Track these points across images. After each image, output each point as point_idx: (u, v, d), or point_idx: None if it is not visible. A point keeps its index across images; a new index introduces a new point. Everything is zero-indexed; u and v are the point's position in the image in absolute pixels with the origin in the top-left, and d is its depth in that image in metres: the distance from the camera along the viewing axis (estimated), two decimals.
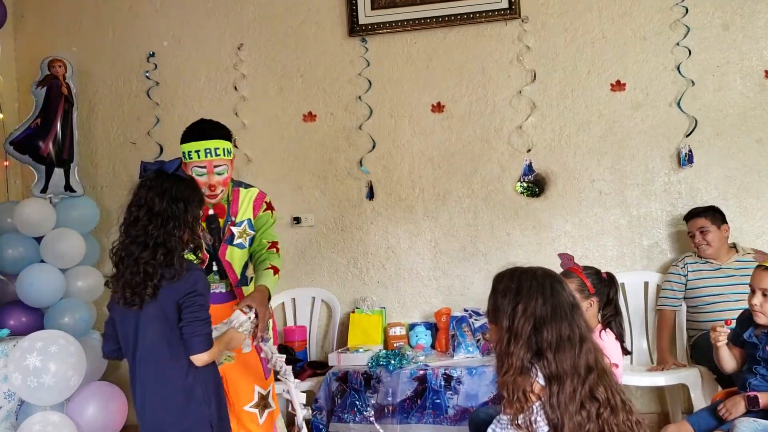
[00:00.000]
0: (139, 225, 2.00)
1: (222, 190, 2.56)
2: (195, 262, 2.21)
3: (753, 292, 2.49)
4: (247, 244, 2.67)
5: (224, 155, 2.55)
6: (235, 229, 2.63)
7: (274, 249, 2.66)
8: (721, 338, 2.54)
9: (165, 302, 1.99)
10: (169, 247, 1.98)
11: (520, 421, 1.72)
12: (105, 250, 4.24)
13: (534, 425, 1.71)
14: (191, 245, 2.09)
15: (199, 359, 1.99)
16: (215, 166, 2.52)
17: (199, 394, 2.03)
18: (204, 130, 2.56)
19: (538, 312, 1.77)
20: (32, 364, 2.80)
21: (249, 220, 2.67)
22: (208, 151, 2.50)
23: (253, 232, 2.68)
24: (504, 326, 1.79)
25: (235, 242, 2.63)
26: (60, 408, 3.01)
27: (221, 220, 2.63)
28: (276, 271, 2.58)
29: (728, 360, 2.58)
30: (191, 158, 2.50)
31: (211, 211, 2.59)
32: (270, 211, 2.73)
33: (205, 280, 2.09)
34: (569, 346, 1.74)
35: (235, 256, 2.63)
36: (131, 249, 2.00)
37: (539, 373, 1.73)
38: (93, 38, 4.35)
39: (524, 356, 1.74)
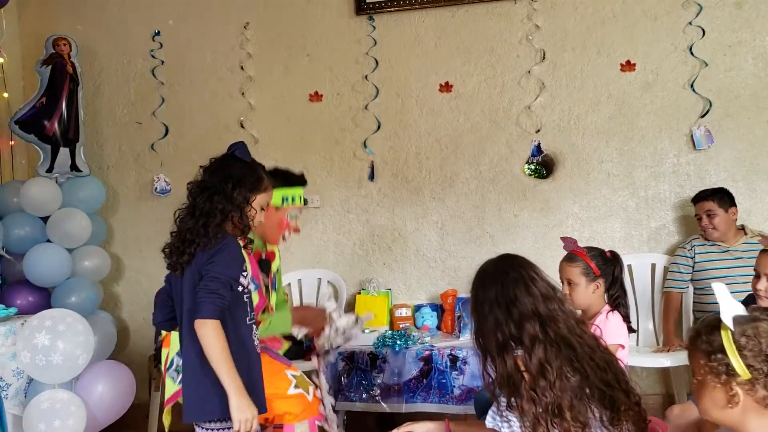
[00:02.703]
0: (191, 196, 2.11)
1: None
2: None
3: (758, 276, 2.47)
4: None
5: None
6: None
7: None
8: None
9: (195, 269, 2.04)
10: (209, 217, 2.04)
11: (513, 402, 1.74)
12: (111, 229, 4.26)
13: (525, 405, 1.71)
14: (239, 226, 2.12)
15: (198, 326, 1.97)
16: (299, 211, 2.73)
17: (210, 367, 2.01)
18: (302, 177, 2.73)
19: (507, 300, 1.77)
20: (41, 342, 2.81)
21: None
22: (303, 198, 2.70)
23: None
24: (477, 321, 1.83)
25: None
26: (68, 386, 3.03)
27: (273, 265, 2.71)
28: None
29: None
30: (294, 203, 2.65)
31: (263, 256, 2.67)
32: None
33: (231, 254, 2.06)
34: (527, 319, 1.74)
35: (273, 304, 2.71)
36: (185, 218, 2.09)
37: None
38: (98, 17, 4.31)
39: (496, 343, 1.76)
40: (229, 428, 2.02)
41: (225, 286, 2.00)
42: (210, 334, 1.96)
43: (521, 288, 1.77)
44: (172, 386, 2.60)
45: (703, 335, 1.39)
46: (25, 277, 3.67)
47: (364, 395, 3.28)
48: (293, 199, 2.64)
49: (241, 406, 1.94)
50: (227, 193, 2.08)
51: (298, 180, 2.70)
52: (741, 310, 1.36)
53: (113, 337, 3.78)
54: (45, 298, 3.73)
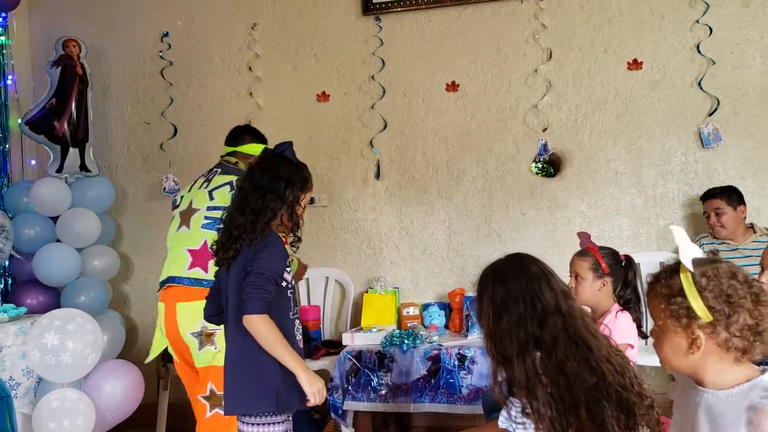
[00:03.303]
0: (241, 195, 2.14)
1: None
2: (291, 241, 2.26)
3: (763, 270, 2.47)
4: None
5: None
6: None
7: None
8: None
9: (241, 265, 2.07)
10: (259, 214, 2.08)
11: (528, 409, 1.69)
12: (120, 229, 4.29)
13: (541, 409, 1.68)
14: (288, 224, 2.17)
15: (247, 321, 2.01)
16: None
17: (262, 361, 2.03)
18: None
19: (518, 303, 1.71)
20: (50, 341, 2.83)
21: None
22: None
23: None
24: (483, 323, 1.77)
25: None
26: (78, 385, 3.05)
27: None
28: None
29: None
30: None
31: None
32: None
33: (276, 250, 2.10)
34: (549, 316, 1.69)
35: None
36: (234, 215, 2.12)
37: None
38: (107, 18, 4.35)
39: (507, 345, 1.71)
40: (269, 423, 2.06)
41: (270, 282, 2.04)
42: (261, 327, 2.01)
43: (544, 282, 1.72)
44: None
45: (662, 279, 1.36)
46: (35, 277, 3.70)
47: (371, 395, 3.28)
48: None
49: (310, 380, 2.02)
50: (279, 192, 2.12)
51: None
52: (700, 254, 1.32)
53: (122, 337, 3.80)
54: (54, 297, 3.76)
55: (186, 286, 2.64)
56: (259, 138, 3.06)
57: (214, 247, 2.17)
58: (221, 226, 2.16)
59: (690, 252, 1.30)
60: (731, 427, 1.28)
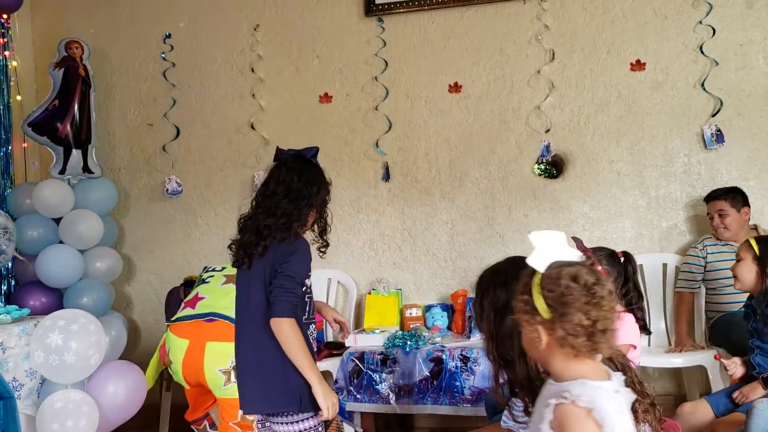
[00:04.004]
0: (274, 198, 2.11)
1: None
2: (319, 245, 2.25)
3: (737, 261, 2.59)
4: None
5: None
6: None
7: None
8: (734, 370, 2.53)
9: (267, 263, 2.07)
10: (290, 217, 2.08)
11: (531, 408, 1.70)
12: (123, 230, 4.29)
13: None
14: (316, 226, 2.18)
15: (275, 324, 2.01)
16: None
17: (287, 360, 2.03)
18: None
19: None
20: (54, 342, 2.82)
21: None
22: None
23: None
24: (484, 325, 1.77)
25: None
26: (81, 386, 3.05)
27: None
28: None
29: None
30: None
31: None
32: None
33: (306, 255, 2.11)
34: None
35: None
36: (259, 217, 2.10)
37: None
38: (110, 19, 4.35)
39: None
40: (299, 420, 2.05)
41: (299, 286, 2.06)
42: (290, 331, 2.01)
43: None
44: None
45: (523, 277, 1.47)
46: (38, 278, 3.71)
47: (374, 396, 3.28)
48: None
49: (325, 393, 2.02)
50: (312, 197, 2.13)
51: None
52: (554, 258, 1.44)
53: (124, 338, 3.81)
54: (57, 298, 3.76)
55: (228, 323, 2.66)
56: None
57: (233, 246, 2.16)
58: (243, 226, 2.14)
59: (542, 255, 1.43)
60: (537, 416, 1.42)
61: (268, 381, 2.06)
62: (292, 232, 2.07)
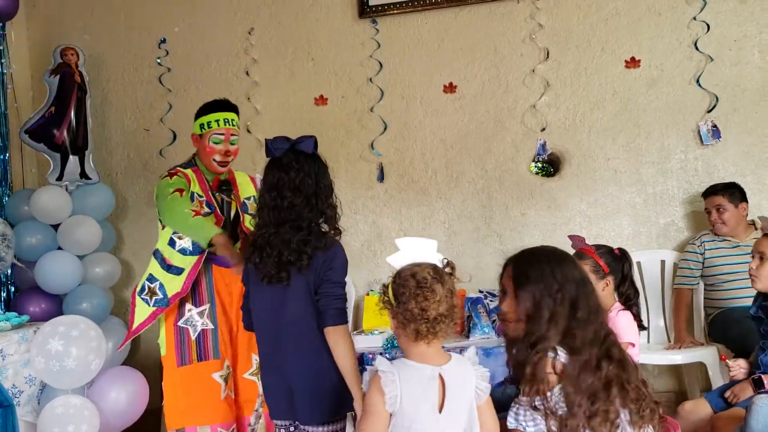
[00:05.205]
0: (294, 210, 2.06)
1: (232, 159, 2.82)
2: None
3: (752, 257, 2.48)
4: None
5: (237, 127, 2.85)
6: (247, 201, 2.82)
7: None
8: (737, 371, 2.51)
9: (312, 274, 2.04)
10: (319, 224, 2.08)
11: (537, 403, 1.70)
12: (121, 236, 4.29)
13: (554, 407, 1.68)
14: (332, 226, 2.14)
15: (332, 331, 2.01)
16: (231, 134, 2.80)
17: (336, 368, 2.03)
18: (222, 103, 2.86)
19: (572, 293, 1.74)
20: (54, 348, 2.84)
21: (253, 196, 2.81)
22: (226, 120, 2.80)
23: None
24: (544, 309, 1.74)
25: (249, 211, 2.77)
26: (81, 392, 3.06)
27: (243, 190, 2.84)
28: None
29: None
30: (210, 127, 2.76)
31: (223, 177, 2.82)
32: None
33: (345, 258, 2.10)
34: (591, 320, 1.73)
35: (249, 224, 2.71)
36: (288, 232, 2.04)
37: (561, 352, 1.70)
38: (105, 26, 4.36)
39: (557, 339, 1.71)
40: (325, 424, 2.06)
41: (344, 290, 2.07)
42: (346, 338, 2.03)
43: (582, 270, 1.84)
44: (145, 310, 2.67)
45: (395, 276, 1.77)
46: (37, 285, 3.71)
47: None
48: (209, 125, 2.76)
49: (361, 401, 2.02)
50: (327, 192, 2.12)
51: (212, 106, 2.82)
52: (433, 260, 1.75)
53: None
54: (57, 305, 3.76)
55: None
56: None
57: (260, 265, 2.07)
58: (267, 242, 2.05)
59: (402, 257, 1.75)
60: None
61: (324, 391, 2.05)
62: (326, 237, 2.06)
